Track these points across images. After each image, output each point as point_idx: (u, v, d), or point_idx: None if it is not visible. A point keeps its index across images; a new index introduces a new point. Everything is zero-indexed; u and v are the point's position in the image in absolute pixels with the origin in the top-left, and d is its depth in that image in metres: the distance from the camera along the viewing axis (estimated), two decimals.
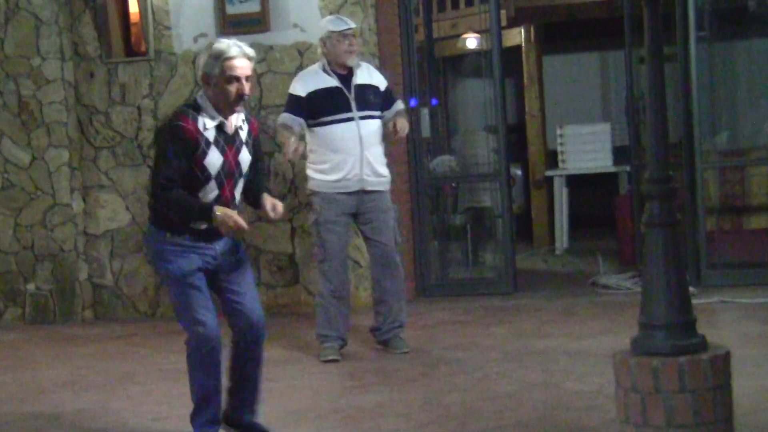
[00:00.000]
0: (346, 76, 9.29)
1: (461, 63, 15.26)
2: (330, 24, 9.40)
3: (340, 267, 9.38)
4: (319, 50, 9.47)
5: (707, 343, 5.79)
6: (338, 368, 9.12)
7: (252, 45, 11.31)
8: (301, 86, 9.34)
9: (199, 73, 6.87)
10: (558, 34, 16.58)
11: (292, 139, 9.16)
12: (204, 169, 6.71)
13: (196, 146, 6.68)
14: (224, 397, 7.03)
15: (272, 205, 6.92)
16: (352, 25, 9.43)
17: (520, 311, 10.98)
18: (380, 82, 9.50)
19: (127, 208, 11.98)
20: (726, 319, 9.79)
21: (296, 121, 9.21)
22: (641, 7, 6.13)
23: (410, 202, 11.68)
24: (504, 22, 13.51)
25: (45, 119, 11.85)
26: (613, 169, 15.17)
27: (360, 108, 9.23)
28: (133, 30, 12.05)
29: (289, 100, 9.44)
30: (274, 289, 11.76)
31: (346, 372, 8.97)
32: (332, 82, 9.25)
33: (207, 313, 6.85)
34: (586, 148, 15.24)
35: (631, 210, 12.23)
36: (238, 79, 6.69)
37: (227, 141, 6.83)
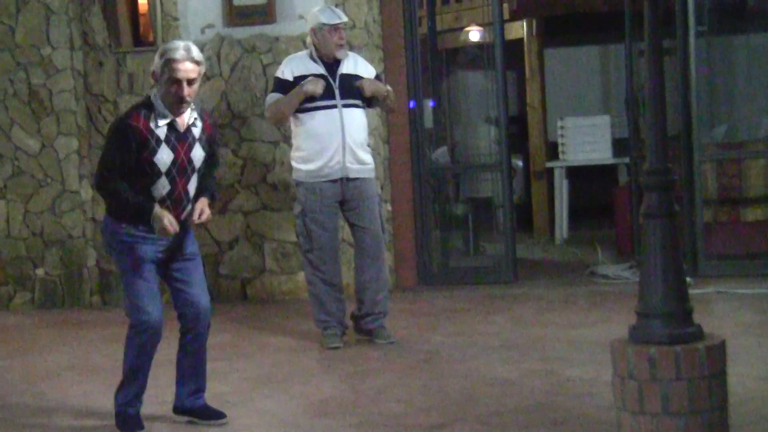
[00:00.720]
0: (332, 65, 9.31)
1: (464, 55, 15.26)
2: (322, 15, 9.37)
3: (329, 255, 9.36)
4: (308, 39, 9.50)
5: (703, 333, 5.81)
6: (340, 354, 9.14)
7: (258, 36, 11.51)
8: (288, 70, 9.39)
9: (151, 70, 7.05)
10: (559, 28, 16.57)
11: (274, 101, 9.36)
12: (153, 165, 6.88)
13: (145, 144, 6.86)
14: (174, 390, 7.40)
15: (200, 210, 7.13)
16: (344, 18, 9.46)
17: (519, 300, 11.00)
18: (367, 72, 9.48)
19: None
20: (722, 309, 9.81)
21: (280, 97, 9.31)
22: (641, 1, 6.15)
23: (412, 192, 11.69)
24: (506, 15, 13.54)
25: (54, 108, 11.87)
26: (612, 161, 15.19)
27: (343, 96, 9.24)
28: (142, 21, 12.07)
29: (276, 82, 9.52)
30: (278, 276, 11.78)
31: (347, 358, 8.99)
32: (318, 69, 9.28)
33: (153, 303, 7.14)
34: (586, 139, 15.26)
35: (629, 201, 12.24)
36: (179, 81, 6.83)
37: (178, 138, 6.99)
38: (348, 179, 9.24)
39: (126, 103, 11.88)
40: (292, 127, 9.45)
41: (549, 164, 15.51)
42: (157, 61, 6.93)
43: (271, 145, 11.69)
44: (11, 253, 12.02)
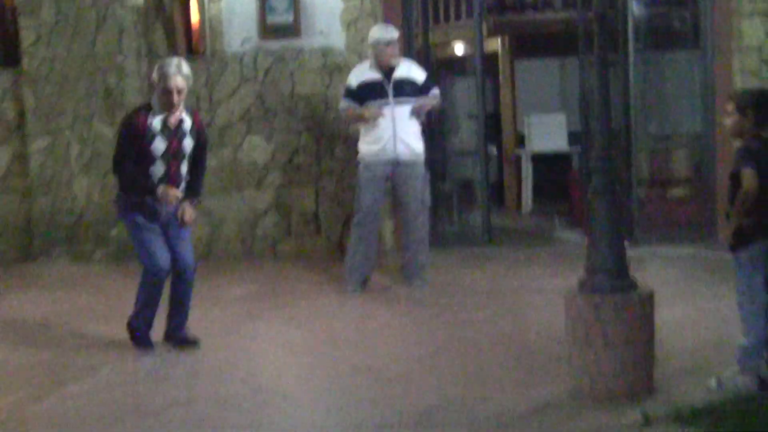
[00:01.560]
0: (388, 71, 9.39)
1: (451, 64, 15.22)
2: (378, 33, 9.52)
3: (370, 218, 9.45)
4: (370, 51, 9.60)
5: (637, 284, 5.86)
6: (351, 300, 9.17)
7: (286, 47, 11.48)
8: (353, 79, 9.56)
9: (151, 79, 7.70)
10: (526, 44, 16.52)
11: (345, 107, 9.59)
12: (150, 152, 7.40)
13: (143, 136, 7.39)
14: (165, 322, 7.73)
15: (183, 212, 7.60)
16: (396, 34, 9.52)
17: (493, 258, 11.00)
18: (418, 76, 9.55)
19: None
20: (651, 266, 9.82)
21: (353, 105, 9.45)
22: (591, 24, 6.19)
23: None
24: (485, 33, 13.51)
25: (125, 103, 11.84)
26: (567, 150, 15.18)
27: (396, 95, 9.33)
28: (194, 34, 12.06)
29: (345, 89, 9.68)
30: (302, 238, 11.80)
31: (356, 303, 9.02)
32: (376, 75, 9.39)
33: (162, 252, 7.51)
34: (547, 132, 15.27)
35: (580, 181, 12.25)
36: (170, 91, 7.36)
37: (170, 132, 7.48)
38: (398, 161, 9.35)
39: None
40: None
41: (517, 151, 15.50)
42: (155, 73, 7.48)
43: (296, 134, 11.70)
44: (92, 217, 12.03)
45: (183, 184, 7.61)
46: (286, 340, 7.79)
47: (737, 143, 6.05)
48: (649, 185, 11.81)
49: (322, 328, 8.10)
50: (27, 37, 12.06)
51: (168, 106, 7.43)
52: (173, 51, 11.89)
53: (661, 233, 11.25)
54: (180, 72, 7.42)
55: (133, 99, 11.77)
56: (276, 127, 11.75)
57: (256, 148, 11.82)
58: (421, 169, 9.52)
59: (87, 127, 11.87)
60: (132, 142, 7.43)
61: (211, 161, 11.82)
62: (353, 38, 11.46)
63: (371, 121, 9.36)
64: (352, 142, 11.29)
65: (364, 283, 9.49)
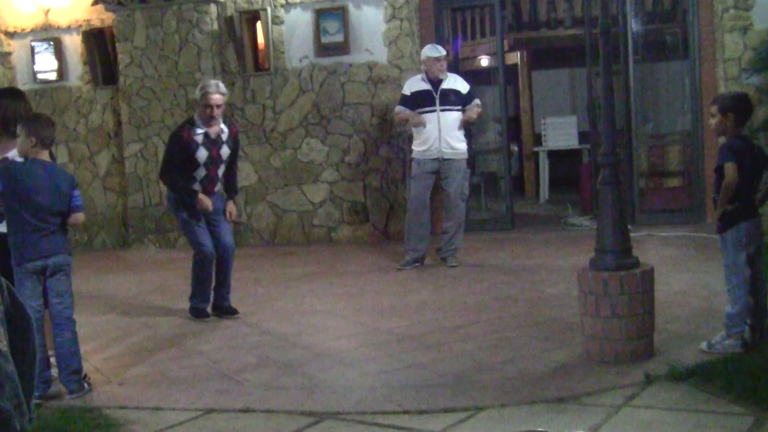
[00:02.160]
0: (436, 82, 9.46)
1: (478, 75, 15.17)
2: (429, 51, 9.60)
3: (420, 206, 9.52)
4: (422, 66, 9.67)
5: (639, 262, 5.82)
6: (398, 277, 9.18)
7: (338, 63, 11.51)
8: (407, 88, 9.66)
9: (194, 98, 8.01)
10: (542, 57, 16.46)
11: (399, 110, 9.65)
12: (195, 160, 7.61)
13: (189, 146, 7.58)
14: (213, 296, 7.91)
15: (230, 212, 7.93)
16: (444, 53, 9.58)
17: (515, 241, 10.97)
18: (463, 87, 9.57)
19: (255, 172, 12.06)
20: (651, 246, 9.75)
21: (405, 110, 9.53)
22: (597, 39, 6.14)
23: None
24: (506, 48, 13.46)
25: None
26: (578, 147, 15.10)
27: (442, 104, 9.40)
28: (260, 53, 12.09)
29: (401, 97, 9.79)
30: (352, 226, 11.82)
31: (400, 280, 9.02)
32: (426, 86, 9.47)
33: (206, 240, 7.72)
34: (560, 132, 15.20)
35: (590, 174, 12.17)
36: (210, 106, 7.57)
37: (211, 142, 7.66)
38: (443, 159, 9.41)
39: (250, 110, 11.95)
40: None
41: (535, 149, 15.44)
42: (197, 92, 7.70)
43: (347, 137, 11.71)
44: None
45: (219, 185, 7.92)
46: (341, 312, 7.81)
47: (721, 140, 6.03)
48: (647, 177, 11.74)
49: (371, 302, 8.10)
50: (123, 60, 12.18)
51: (207, 120, 7.63)
52: (243, 68, 11.94)
53: (659, 218, 11.19)
54: (219, 90, 7.65)
55: None
56: (329, 131, 11.78)
57: (313, 150, 11.85)
58: (463, 165, 9.57)
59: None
60: (178, 153, 7.63)
61: (275, 161, 11.93)
62: (394, 54, 11.45)
63: (414, 125, 9.50)
64: (394, 143, 11.32)
65: (420, 260, 9.58)
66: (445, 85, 9.46)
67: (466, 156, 9.59)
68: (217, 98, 7.58)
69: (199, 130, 7.62)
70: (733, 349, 5.70)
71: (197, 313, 7.84)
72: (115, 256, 11.95)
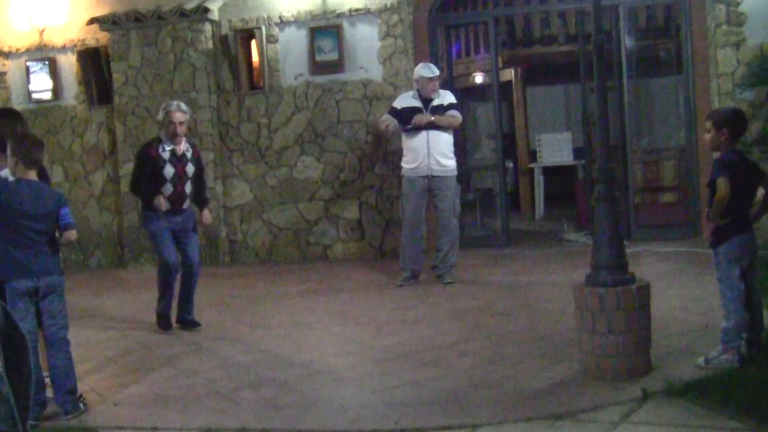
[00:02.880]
0: (427, 100, 9.47)
1: (472, 92, 15.20)
2: (422, 70, 9.57)
3: (414, 223, 9.54)
4: (415, 84, 9.64)
5: (635, 278, 5.82)
6: (394, 294, 9.15)
7: (333, 81, 11.52)
8: (398, 103, 9.66)
9: (158, 119, 8.34)
10: (536, 73, 16.51)
11: (386, 118, 9.66)
12: (162, 176, 7.98)
13: (156, 162, 7.97)
14: (177, 309, 8.24)
15: (204, 218, 8.41)
16: (437, 72, 9.55)
17: (511, 257, 10.96)
18: (448, 101, 9.55)
19: (251, 190, 12.05)
20: (647, 261, 9.76)
21: (392, 120, 9.53)
22: (591, 56, 6.16)
23: None
24: (500, 65, 13.48)
25: (198, 132, 11.92)
26: (573, 163, 15.11)
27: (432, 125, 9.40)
28: (255, 72, 12.10)
29: (390, 109, 9.80)
30: (347, 243, 11.81)
31: (396, 297, 9.01)
32: (417, 103, 9.47)
33: (172, 253, 8.08)
34: (555, 148, 15.21)
35: (585, 190, 12.18)
36: (173, 123, 7.99)
37: (177, 159, 8.06)
38: (432, 176, 9.40)
39: (245, 128, 11.96)
40: (402, 141, 9.65)
41: (531, 165, 15.44)
42: (161, 113, 8.15)
43: (342, 154, 11.72)
44: None
45: (187, 202, 8.20)
46: (338, 329, 7.79)
47: (715, 155, 6.04)
48: (642, 192, 11.76)
49: (368, 319, 8.08)
50: (118, 79, 12.19)
51: (171, 137, 8.03)
52: (238, 86, 11.95)
53: (654, 233, 11.20)
54: (179, 109, 8.09)
55: (205, 129, 11.85)
56: (325, 148, 11.78)
57: (309, 167, 11.85)
58: (453, 182, 9.53)
59: None
60: (146, 168, 8.00)
61: (270, 179, 11.92)
62: (388, 72, 11.47)
63: (385, 130, 9.68)
64: (389, 160, 11.33)
65: (415, 277, 9.58)
66: (435, 102, 9.46)
67: (455, 173, 9.56)
68: (179, 116, 8.03)
69: (167, 147, 8.04)
70: (730, 364, 5.70)
71: (163, 319, 8.20)
72: (110, 275, 11.92)
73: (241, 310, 8.83)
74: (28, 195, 5.70)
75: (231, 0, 11.99)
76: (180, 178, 8.07)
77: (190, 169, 8.16)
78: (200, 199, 8.40)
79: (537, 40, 15.14)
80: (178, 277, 8.17)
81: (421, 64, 9.82)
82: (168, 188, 8.01)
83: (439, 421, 5.20)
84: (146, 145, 8.26)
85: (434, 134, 9.38)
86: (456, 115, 9.52)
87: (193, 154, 8.22)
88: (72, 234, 5.91)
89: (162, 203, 7.93)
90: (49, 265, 5.76)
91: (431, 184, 9.45)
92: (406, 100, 9.60)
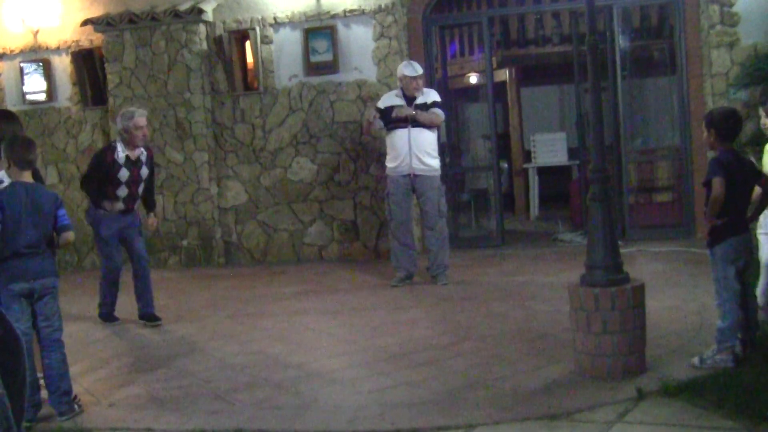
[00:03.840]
0: (410, 99, 9.45)
1: (467, 92, 15.21)
2: (405, 69, 9.56)
3: (402, 223, 9.51)
4: (398, 83, 9.65)
5: (630, 278, 5.83)
6: (388, 295, 9.14)
7: (327, 82, 11.52)
8: (382, 102, 9.63)
9: (118, 127, 8.43)
10: (530, 74, 16.51)
11: (372, 112, 9.69)
12: (117, 178, 8.26)
13: (112, 166, 8.24)
14: (137, 305, 8.57)
15: (151, 223, 8.82)
16: (420, 71, 9.50)
17: (506, 258, 10.97)
18: (430, 98, 9.51)
19: (246, 191, 12.04)
20: (642, 261, 9.77)
21: (378, 119, 9.49)
22: (585, 56, 6.16)
23: None
24: (494, 65, 13.50)
25: (193, 133, 11.92)
26: (567, 163, 15.12)
27: (414, 120, 9.35)
28: (249, 73, 12.09)
29: (375, 107, 9.75)
30: (342, 244, 11.80)
31: (391, 298, 9.00)
32: (400, 102, 9.44)
33: (117, 254, 8.48)
34: (550, 148, 15.21)
35: (579, 190, 12.20)
36: (140, 127, 8.28)
37: (132, 163, 8.34)
38: (415, 175, 9.37)
39: (240, 129, 11.95)
40: (386, 139, 9.60)
41: (525, 165, 15.44)
42: (121, 119, 8.36)
43: (336, 155, 11.72)
44: (166, 229, 12.09)
45: (138, 200, 8.54)
46: (333, 330, 7.78)
47: (711, 155, 6.06)
48: (637, 192, 11.77)
49: (362, 320, 8.08)
50: (112, 80, 12.18)
51: (135, 141, 8.33)
52: (232, 87, 11.94)
53: (649, 233, 11.21)
54: (143, 114, 8.41)
55: (199, 130, 11.84)
56: (319, 149, 11.78)
57: (303, 168, 11.84)
58: (436, 182, 9.47)
59: (161, 154, 11.92)
60: (100, 171, 8.27)
61: (265, 180, 11.92)
62: (383, 72, 11.47)
63: (367, 126, 9.77)
64: (383, 161, 11.31)
65: (410, 277, 9.55)
66: (418, 101, 9.43)
67: (438, 172, 9.52)
68: (144, 122, 8.38)
69: (122, 153, 8.33)
70: (725, 364, 5.70)
71: (107, 316, 8.66)
72: None
73: (235, 311, 8.82)
74: (24, 197, 5.68)
75: (225, 1, 11.98)
76: (134, 180, 8.42)
77: (144, 172, 8.51)
78: (149, 201, 8.79)
79: (531, 40, 15.16)
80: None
81: (404, 63, 9.81)
82: (123, 191, 8.36)
83: (435, 421, 5.20)
84: (103, 149, 8.66)
85: (416, 132, 9.34)
86: (438, 113, 9.49)
87: (147, 156, 8.56)
88: (69, 235, 5.90)
89: (116, 207, 8.34)
90: (45, 267, 5.74)
91: (414, 183, 9.42)
92: (389, 99, 9.58)
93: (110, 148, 8.44)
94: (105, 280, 8.60)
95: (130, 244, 8.50)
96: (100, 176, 8.31)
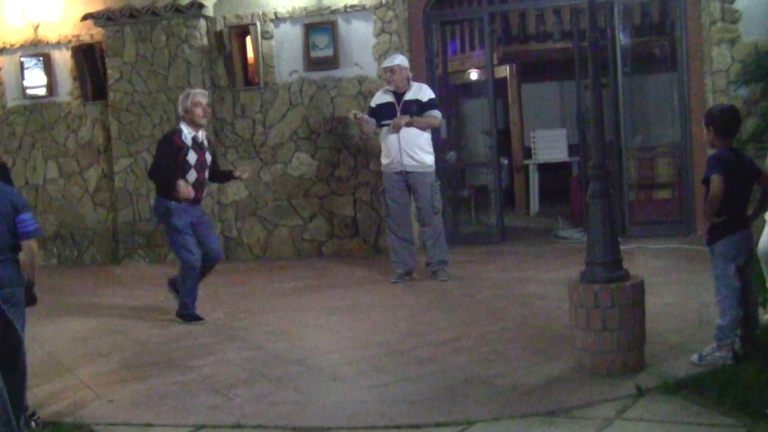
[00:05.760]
0: (400, 94, 9.40)
1: (467, 88, 15.21)
2: (384, 61, 9.74)
3: (399, 219, 9.49)
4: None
5: (629, 275, 5.83)
6: (388, 291, 9.15)
7: (327, 77, 11.53)
8: (373, 101, 9.66)
9: (179, 110, 8.21)
10: (531, 70, 16.50)
11: (357, 113, 9.65)
12: (187, 162, 8.02)
13: (180, 149, 8.00)
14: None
15: (242, 171, 8.69)
16: (396, 62, 9.45)
17: (505, 254, 10.98)
18: (425, 96, 9.44)
19: (246, 187, 12.04)
20: (641, 258, 9.78)
21: (371, 119, 9.50)
22: (586, 52, 6.16)
23: None
24: (495, 61, 13.49)
25: None
26: (568, 159, 15.14)
27: (402, 115, 9.31)
28: (250, 68, 12.09)
29: (368, 108, 9.78)
30: (342, 240, 11.81)
31: (391, 294, 9.00)
32: (389, 98, 9.44)
33: (195, 249, 8.07)
34: (550, 145, 15.23)
35: (579, 186, 12.20)
36: (200, 104, 8.09)
37: (198, 146, 8.13)
38: (407, 171, 9.35)
39: (240, 124, 11.95)
40: (380, 137, 9.61)
41: (525, 162, 15.45)
42: (183, 99, 8.16)
43: (336, 151, 11.72)
44: None
45: (205, 190, 8.42)
46: (332, 326, 7.79)
47: (710, 152, 6.06)
48: (637, 189, 11.77)
49: (362, 316, 8.09)
50: (112, 75, 12.17)
51: (200, 120, 8.11)
52: (232, 83, 11.94)
53: (649, 230, 11.23)
54: (203, 93, 8.27)
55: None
56: (319, 145, 11.78)
57: (303, 164, 11.84)
58: (430, 178, 9.43)
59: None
60: (170, 155, 8.01)
61: (265, 175, 11.92)
62: (382, 68, 11.45)
63: (361, 124, 9.63)
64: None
65: (409, 274, 9.55)
66: (408, 97, 9.38)
67: (432, 168, 9.47)
68: (202, 98, 8.16)
69: (188, 135, 8.08)
70: (724, 361, 5.70)
71: (194, 315, 8.20)
72: (105, 271, 11.90)
73: (235, 307, 8.82)
74: None
75: None
76: (201, 165, 8.17)
77: (208, 157, 8.29)
78: (224, 172, 8.86)
79: (532, 36, 15.14)
80: None
81: (387, 58, 9.87)
82: (192, 175, 8.07)
83: (434, 417, 5.20)
84: (169, 133, 8.32)
85: (406, 129, 9.31)
86: (437, 116, 9.47)
87: (208, 144, 8.36)
88: (30, 245, 5.19)
89: (189, 191, 7.94)
90: (6, 276, 5.05)
91: (408, 179, 9.39)
92: (379, 97, 9.59)
93: (175, 132, 8.17)
94: (187, 275, 8.14)
95: (206, 238, 8.21)
96: (169, 162, 7.99)
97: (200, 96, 8.17)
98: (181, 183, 7.93)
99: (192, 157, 8.07)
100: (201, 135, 8.20)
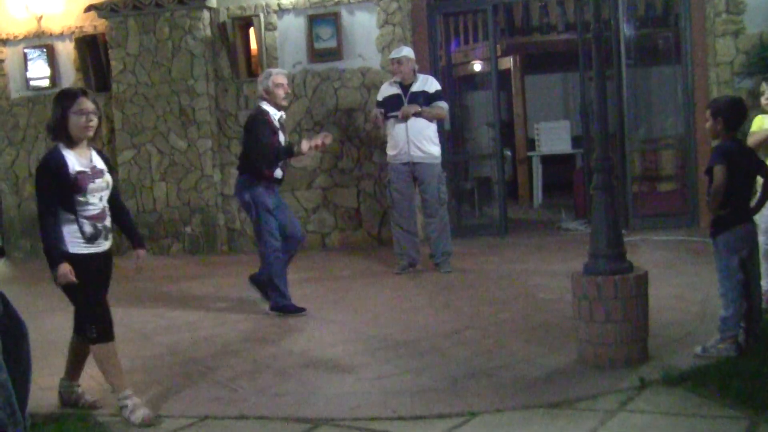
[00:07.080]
0: (406, 86, 9.40)
1: (471, 80, 15.19)
2: (391, 53, 9.69)
3: (404, 211, 9.50)
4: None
5: (633, 266, 5.82)
6: (389, 282, 9.16)
7: (331, 69, 11.52)
8: (380, 94, 9.65)
9: (259, 90, 7.92)
10: (534, 62, 16.49)
11: (375, 111, 9.60)
12: (278, 143, 7.81)
13: (272, 127, 7.78)
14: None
15: (323, 136, 8.03)
16: (398, 55, 9.47)
17: (509, 246, 10.98)
18: (431, 87, 9.45)
19: None
20: (645, 250, 9.77)
21: (379, 111, 9.47)
22: (590, 44, 6.15)
23: None
24: (499, 53, 13.47)
25: (197, 119, 11.92)
26: (571, 152, 15.13)
27: (417, 115, 9.31)
28: (253, 59, 12.09)
29: (375, 102, 9.81)
30: (345, 231, 11.81)
31: (393, 285, 9.01)
32: (395, 90, 9.45)
33: (278, 233, 7.85)
34: (554, 137, 15.22)
35: (583, 178, 12.19)
36: (283, 86, 7.90)
37: (281, 126, 7.91)
38: (414, 163, 9.34)
39: (243, 116, 11.93)
40: (387, 129, 9.57)
41: (529, 154, 15.45)
42: (264, 80, 7.89)
43: (340, 143, 11.71)
44: (169, 216, 12.11)
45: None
46: (336, 317, 7.79)
47: (714, 144, 6.04)
48: (640, 181, 11.77)
49: (365, 308, 8.09)
50: (116, 67, 12.18)
51: (274, 104, 7.90)
52: (236, 74, 11.94)
53: (652, 222, 11.22)
54: (282, 72, 8.05)
55: (203, 117, 11.84)
56: None
57: (306, 155, 11.81)
58: (437, 169, 9.44)
59: (165, 141, 11.94)
60: (267, 133, 7.75)
61: None
62: (387, 59, 11.42)
63: (379, 124, 9.65)
64: (386, 148, 11.32)
65: (413, 265, 9.57)
66: (414, 89, 9.40)
67: (438, 160, 9.48)
68: (283, 78, 7.95)
69: (275, 115, 7.93)
70: (728, 353, 5.70)
71: (293, 307, 7.95)
72: None
73: (238, 299, 8.82)
74: None
75: None
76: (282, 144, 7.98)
77: (283, 138, 8.03)
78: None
79: (536, 28, 15.14)
80: None
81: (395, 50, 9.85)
82: (285, 150, 7.91)
83: (437, 409, 5.20)
84: (258, 113, 7.92)
85: (413, 120, 9.32)
86: (443, 107, 9.49)
87: (284, 121, 8.11)
88: None
89: (278, 173, 7.89)
90: None
91: (414, 171, 9.40)
92: (386, 89, 9.60)
93: (262, 111, 7.87)
94: (278, 262, 7.90)
95: (289, 221, 8.01)
96: (268, 139, 7.73)
97: (281, 76, 7.95)
98: (304, 144, 7.76)
99: (281, 137, 7.91)
100: (281, 114, 8.00)
